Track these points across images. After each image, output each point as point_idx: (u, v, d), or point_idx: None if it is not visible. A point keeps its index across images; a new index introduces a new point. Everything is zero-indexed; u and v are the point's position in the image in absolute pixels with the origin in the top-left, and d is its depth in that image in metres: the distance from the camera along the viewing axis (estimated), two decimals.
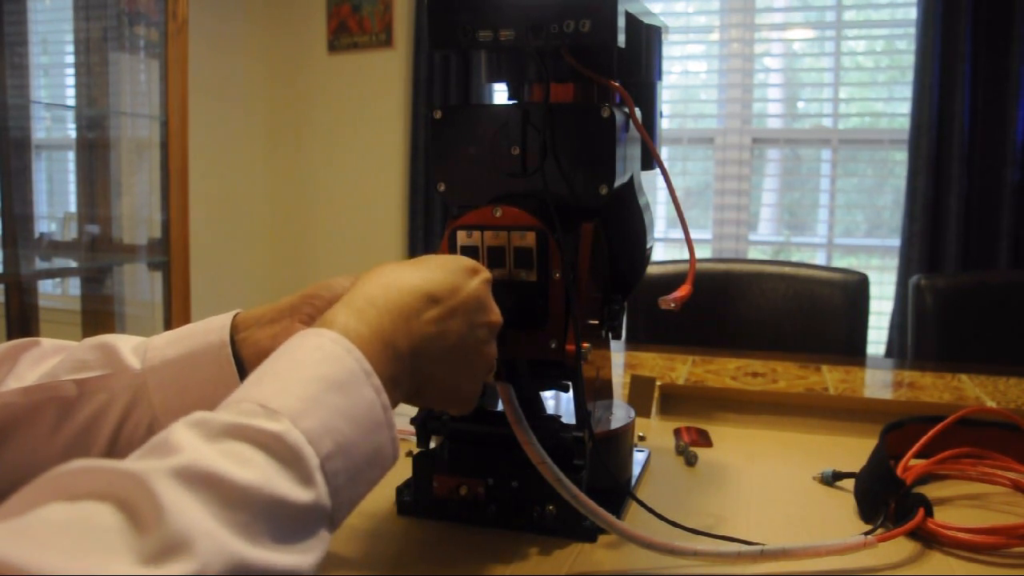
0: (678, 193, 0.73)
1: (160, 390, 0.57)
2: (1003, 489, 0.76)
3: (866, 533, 0.61)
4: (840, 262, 2.78)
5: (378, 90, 3.09)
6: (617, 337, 0.78)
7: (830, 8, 2.70)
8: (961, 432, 0.79)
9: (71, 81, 2.29)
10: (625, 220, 0.73)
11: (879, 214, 2.76)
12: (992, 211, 2.35)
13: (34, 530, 0.30)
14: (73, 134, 2.25)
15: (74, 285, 2.35)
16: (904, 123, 2.53)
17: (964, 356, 1.49)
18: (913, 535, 0.64)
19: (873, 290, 1.66)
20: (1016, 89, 2.28)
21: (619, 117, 0.65)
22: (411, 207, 3.03)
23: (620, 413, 0.76)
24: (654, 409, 0.98)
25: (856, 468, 0.75)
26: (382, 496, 0.71)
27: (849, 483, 0.76)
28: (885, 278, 2.59)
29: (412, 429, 0.68)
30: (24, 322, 2.00)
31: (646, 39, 0.74)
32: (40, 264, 2.16)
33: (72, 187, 2.27)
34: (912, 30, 2.46)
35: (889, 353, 2.48)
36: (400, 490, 0.69)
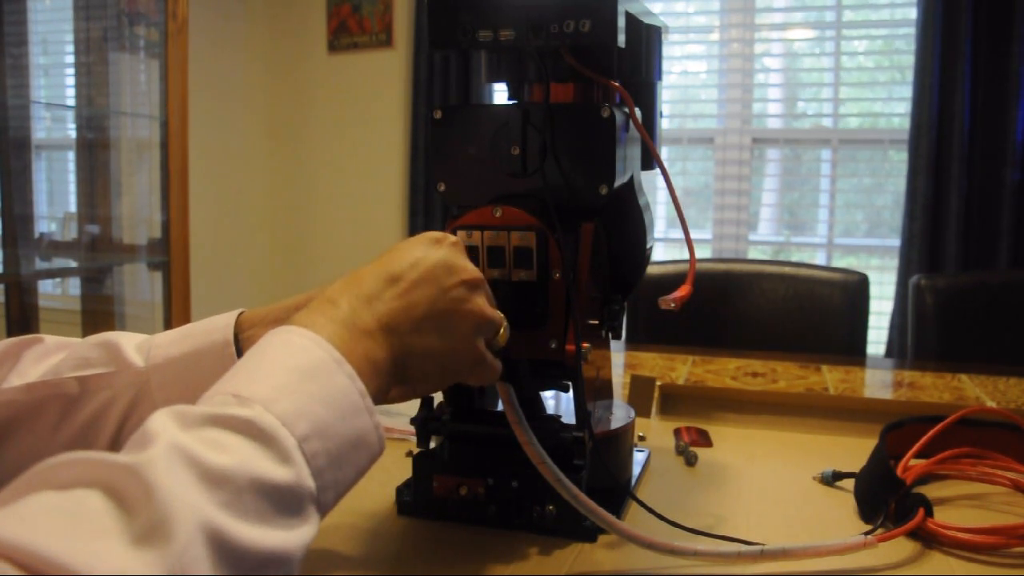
0: (678, 193, 0.73)
1: (163, 388, 0.57)
2: (1003, 489, 0.76)
3: (866, 533, 0.61)
4: (840, 262, 2.77)
5: (378, 90, 3.09)
6: (617, 337, 0.78)
7: (830, 8, 2.70)
8: (961, 432, 0.79)
9: (71, 81, 2.29)
10: (625, 220, 0.73)
11: (879, 214, 2.76)
12: (992, 211, 2.35)
13: (26, 514, 0.31)
14: (73, 134, 2.25)
15: (74, 285, 2.35)
16: (904, 123, 2.53)
17: (964, 356, 1.49)
18: (913, 535, 0.64)
19: (873, 290, 1.66)
20: (1016, 89, 2.28)
21: (619, 117, 0.65)
22: (411, 207, 3.03)
23: (620, 413, 0.76)
24: (654, 409, 0.98)
25: (856, 468, 0.75)
26: (382, 496, 0.71)
27: (849, 483, 0.76)
28: (885, 278, 2.59)
29: (412, 429, 0.68)
30: (24, 322, 2.00)
31: (646, 39, 0.74)
32: (40, 264, 2.16)
33: (72, 187, 2.27)
34: (912, 30, 2.46)
35: (889, 353, 2.48)
36: (400, 490, 0.70)
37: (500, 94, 1.38)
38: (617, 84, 0.68)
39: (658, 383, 0.99)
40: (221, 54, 3.01)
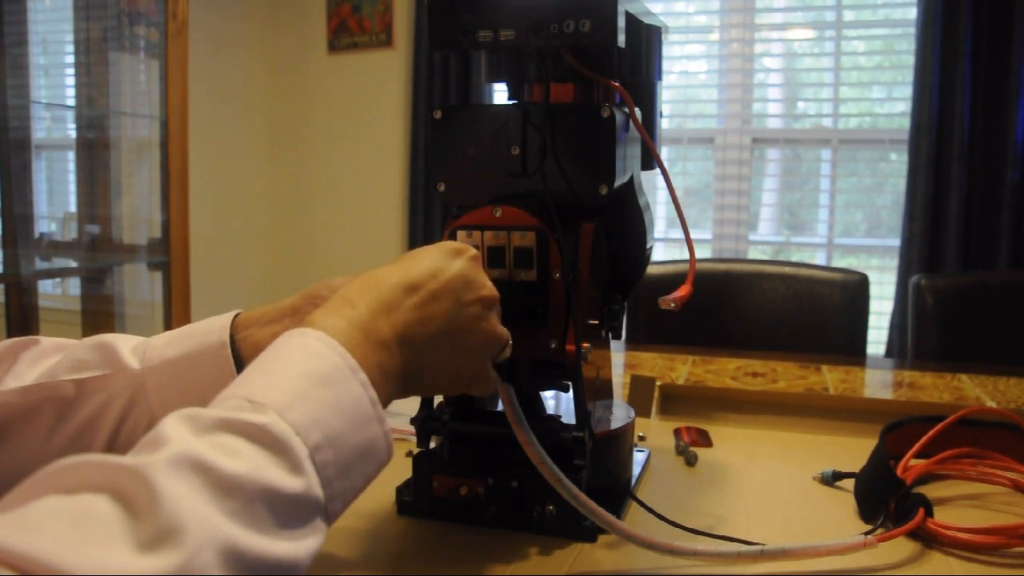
0: (678, 193, 0.73)
1: (159, 390, 0.57)
2: (1003, 489, 0.76)
3: (866, 533, 0.61)
4: (840, 262, 2.77)
5: (378, 90, 3.09)
6: (617, 337, 0.78)
7: (830, 8, 2.70)
8: (961, 432, 0.79)
9: (71, 81, 2.29)
10: (625, 220, 0.73)
11: (879, 214, 2.76)
12: (992, 211, 2.35)
13: (33, 520, 0.31)
14: (73, 134, 2.25)
15: (74, 285, 2.34)
16: (904, 123, 2.53)
17: (964, 356, 1.49)
18: (913, 535, 0.64)
19: (873, 290, 1.66)
20: (1016, 89, 2.28)
21: (619, 117, 0.65)
22: (411, 207, 3.03)
23: (620, 413, 0.76)
24: (654, 409, 0.98)
25: (856, 468, 0.75)
26: (382, 496, 0.71)
27: (849, 483, 0.76)
28: (885, 278, 2.59)
29: (412, 429, 0.68)
30: (24, 322, 2.00)
31: (646, 39, 0.74)
32: (40, 264, 2.16)
33: (72, 187, 2.27)
34: (912, 30, 2.46)
35: (889, 353, 2.48)
36: (400, 490, 0.69)
37: (500, 94, 1.38)
38: (617, 84, 0.68)
39: (658, 383, 0.99)
40: (221, 54, 3.01)
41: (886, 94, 2.72)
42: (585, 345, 0.63)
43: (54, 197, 2.58)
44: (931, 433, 0.77)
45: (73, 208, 2.26)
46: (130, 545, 0.31)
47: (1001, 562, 0.61)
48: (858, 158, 2.77)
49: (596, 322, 0.71)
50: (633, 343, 1.58)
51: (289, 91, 3.24)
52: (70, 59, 2.26)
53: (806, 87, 2.86)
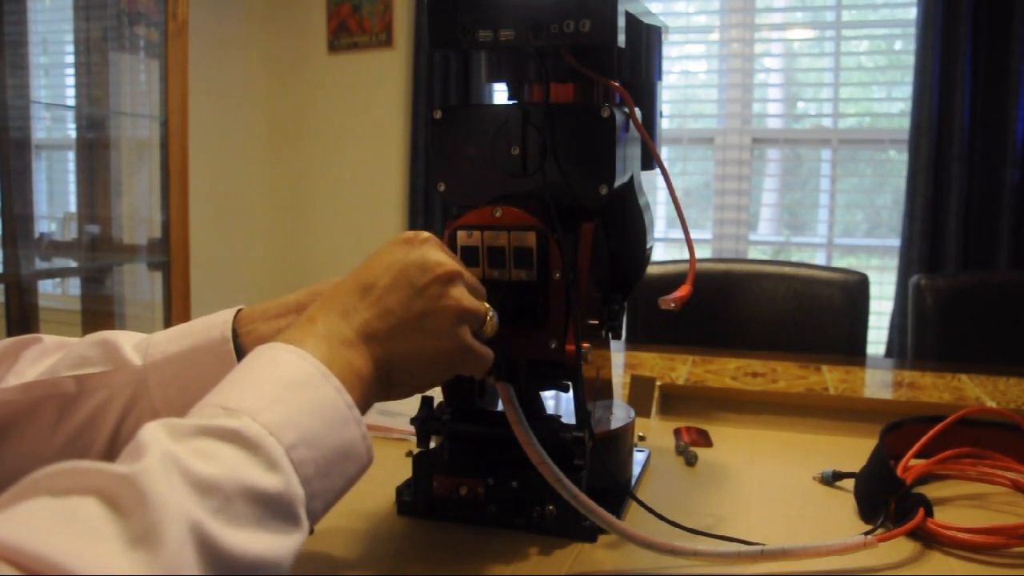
0: (678, 193, 0.73)
1: (161, 386, 0.57)
2: (1003, 489, 0.76)
3: (866, 533, 0.61)
4: (840, 262, 2.77)
5: (378, 90, 3.09)
6: (617, 337, 0.78)
7: (830, 8, 2.70)
8: (961, 432, 0.79)
9: (71, 81, 2.29)
10: (625, 220, 0.73)
11: (879, 214, 2.76)
12: (992, 211, 2.35)
13: (23, 518, 0.32)
14: (73, 134, 2.25)
15: (74, 285, 2.35)
16: (904, 123, 2.53)
17: (964, 356, 1.49)
18: (913, 535, 0.64)
19: (873, 290, 1.65)
20: (1016, 89, 2.28)
21: (619, 117, 0.65)
22: (411, 207, 3.03)
23: (620, 413, 0.76)
24: (654, 409, 0.98)
25: (856, 468, 0.75)
26: (382, 496, 0.71)
27: (849, 483, 0.76)
28: (885, 278, 2.59)
29: (412, 429, 0.68)
30: (24, 322, 2.00)
31: (646, 39, 0.74)
32: (40, 264, 2.16)
33: (72, 187, 2.27)
34: (912, 30, 2.46)
35: (889, 353, 2.48)
36: (400, 490, 0.69)
37: (500, 94, 1.38)
38: (617, 84, 0.68)
39: (658, 383, 0.99)
40: (221, 54, 3.01)
41: (886, 94, 2.72)
42: (585, 345, 0.63)
43: (54, 197, 2.58)
44: (931, 433, 0.77)
45: (73, 208, 2.26)
46: (119, 542, 0.32)
47: (1001, 562, 0.61)
48: (858, 158, 2.77)
49: (596, 322, 0.71)
50: (633, 343, 1.58)
51: (289, 91, 3.24)
52: (70, 59, 2.27)
53: (806, 87, 2.86)
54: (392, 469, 0.77)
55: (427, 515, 0.68)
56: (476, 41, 0.64)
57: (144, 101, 2.17)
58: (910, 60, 2.46)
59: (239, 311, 0.61)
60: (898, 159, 2.64)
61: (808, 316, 1.66)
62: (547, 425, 0.63)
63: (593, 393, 0.71)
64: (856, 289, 1.63)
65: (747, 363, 1.29)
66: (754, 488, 0.77)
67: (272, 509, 0.39)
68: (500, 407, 0.61)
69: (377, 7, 3.04)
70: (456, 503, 0.67)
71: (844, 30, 2.72)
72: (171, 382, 0.57)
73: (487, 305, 0.57)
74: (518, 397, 0.59)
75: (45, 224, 2.28)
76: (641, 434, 0.90)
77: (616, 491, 0.69)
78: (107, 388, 0.56)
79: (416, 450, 0.68)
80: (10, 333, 1.99)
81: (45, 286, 2.31)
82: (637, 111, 0.72)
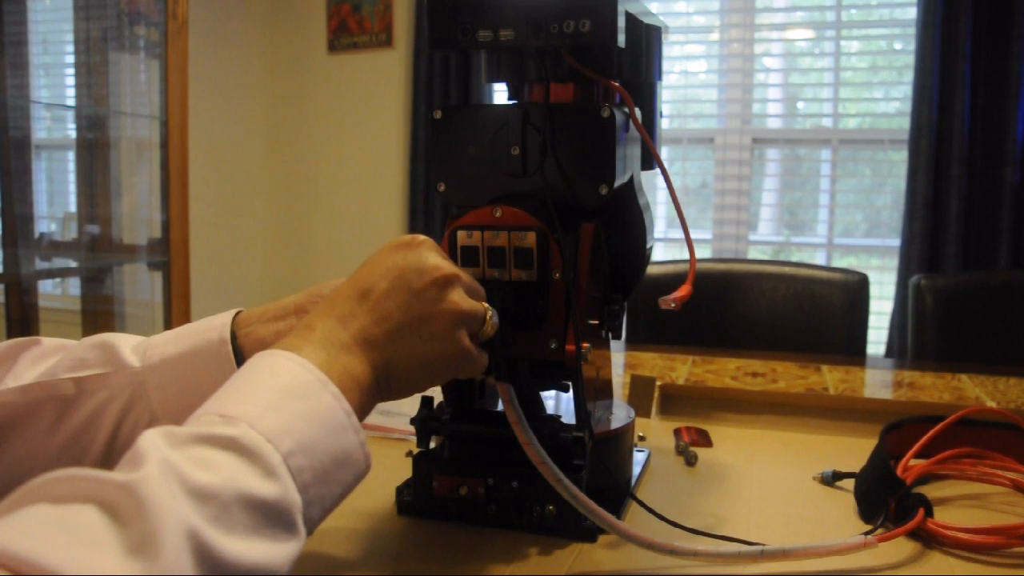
0: (678, 193, 0.73)
1: (159, 389, 0.57)
2: (1003, 489, 0.76)
3: (866, 533, 0.61)
4: (840, 262, 2.77)
5: (378, 90, 3.09)
6: (617, 337, 0.78)
7: (830, 8, 2.70)
8: (961, 432, 0.79)
9: (71, 81, 2.29)
10: (625, 220, 0.73)
11: (879, 214, 2.76)
12: (992, 211, 2.35)
13: (22, 524, 0.32)
14: (73, 134, 2.25)
15: (74, 285, 2.34)
16: (904, 123, 2.53)
17: (964, 356, 1.49)
18: (913, 535, 0.64)
19: (873, 290, 1.66)
20: (1016, 89, 2.28)
21: (619, 117, 0.65)
22: (411, 207, 3.03)
23: (620, 413, 0.76)
24: (654, 409, 0.98)
25: (856, 468, 0.75)
26: (382, 496, 0.71)
27: (849, 483, 0.76)
28: (885, 278, 2.59)
29: (412, 429, 0.68)
30: (24, 322, 2.00)
31: (646, 39, 0.74)
32: (40, 264, 2.16)
33: (72, 187, 2.27)
34: (912, 30, 2.46)
35: (889, 353, 2.48)
36: (400, 490, 0.69)
37: (500, 94, 1.38)
38: (617, 84, 0.68)
39: (658, 383, 0.99)
40: (221, 54, 3.01)
41: (886, 94, 2.72)
42: (585, 345, 0.63)
43: (54, 197, 2.58)
44: (931, 433, 0.77)
45: (73, 208, 2.26)
46: (117, 549, 0.32)
47: (1001, 562, 0.61)
48: (858, 158, 2.77)
49: (596, 322, 0.71)
50: (633, 343, 1.58)
51: (289, 91, 3.24)
52: (70, 59, 2.26)
53: (806, 87, 2.86)
54: (392, 469, 0.77)
55: (427, 515, 0.68)
56: (476, 41, 0.64)
57: (144, 101, 2.18)
58: (910, 60, 2.46)
59: (237, 313, 0.61)
60: (898, 159, 2.64)
61: (808, 316, 1.66)
62: (547, 425, 0.63)
63: (593, 393, 0.71)
64: (856, 289, 1.63)
65: (747, 363, 1.29)
66: (754, 488, 0.77)
67: (269, 516, 0.39)
68: (500, 407, 0.61)
69: (377, 7, 3.04)
70: (456, 503, 0.67)
71: (844, 30, 2.72)
72: (169, 384, 0.57)
73: (486, 305, 0.57)
74: (518, 397, 0.59)
75: (45, 224, 2.28)
76: (641, 434, 0.90)
77: (616, 491, 0.69)
78: (106, 390, 0.56)
79: (416, 450, 0.68)
80: (10, 333, 1.99)
81: (45, 286, 2.31)
82: (637, 111, 0.72)
